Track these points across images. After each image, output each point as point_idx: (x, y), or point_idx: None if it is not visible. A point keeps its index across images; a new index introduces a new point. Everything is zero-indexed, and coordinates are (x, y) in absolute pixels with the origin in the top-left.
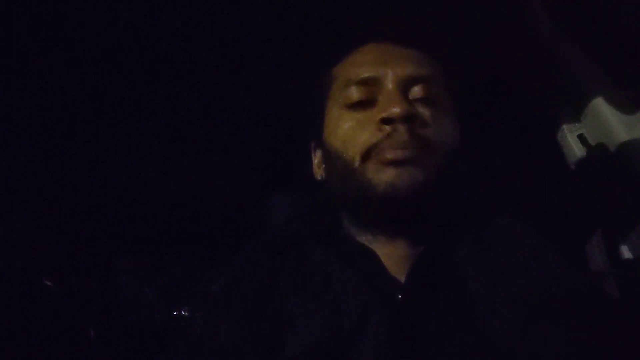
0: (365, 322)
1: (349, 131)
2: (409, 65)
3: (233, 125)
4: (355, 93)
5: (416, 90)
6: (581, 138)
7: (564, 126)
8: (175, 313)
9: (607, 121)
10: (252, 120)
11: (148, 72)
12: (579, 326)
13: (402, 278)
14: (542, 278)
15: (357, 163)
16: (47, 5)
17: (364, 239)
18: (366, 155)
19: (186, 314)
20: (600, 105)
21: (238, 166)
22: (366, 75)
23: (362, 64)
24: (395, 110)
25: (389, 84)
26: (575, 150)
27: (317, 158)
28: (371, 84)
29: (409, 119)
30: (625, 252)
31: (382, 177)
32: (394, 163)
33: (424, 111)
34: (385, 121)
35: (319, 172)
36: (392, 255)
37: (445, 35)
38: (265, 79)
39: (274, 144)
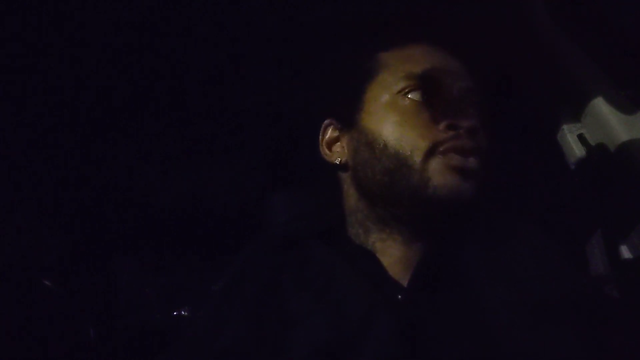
0: (368, 324)
1: (404, 125)
2: (467, 78)
3: (234, 124)
4: (415, 87)
5: (471, 103)
6: (581, 138)
7: (564, 126)
8: (175, 313)
9: (607, 121)
10: (253, 120)
11: (148, 71)
12: (582, 328)
13: (404, 279)
14: (545, 279)
15: (417, 159)
16: (47, 5)
17: (375, 237)
18: (431, 151)
19: (186, 314)
20: (600, 105)
21: (238, 166)
22: (432, 73)
23: (423, 62)
24: (465, 123)
25: (454, 91)
26: (575, 150)
27: (341, 140)
28: (430, 82)
29: (474, 132)
30: (625, 252)
31: (447, 181)
32: (460, 170)
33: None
34: (451, 127)
35: (337, 155)
36: (400, 256)
37: (480, 48)
38: (266, 78)
39: (275, 144)
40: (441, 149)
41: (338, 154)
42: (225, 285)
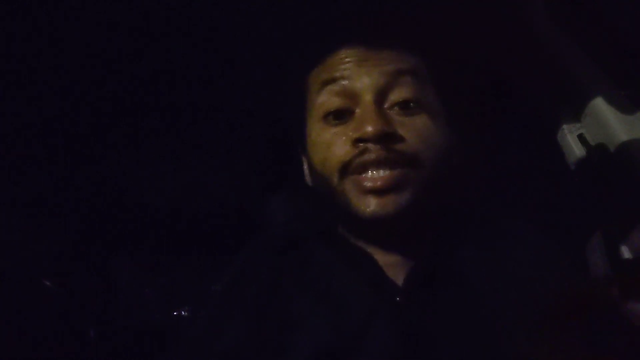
0: (368, 325)
1: (326, 147)
2: (385, 66)
3: (233, 124)
4: (331, 102)
5: (396, 93)
6: (581, 138)
7: (564, 126)
8: (175, 313)
9: (607, 121)
10: (253, 120)
11: (146, 71)
12: (581, 328)
13: (400, 282)
14: (545, 279)
15: (335, 181)
16: (45, 6)
17: (361, 244)
18: (342, 172)
19: (186, 314)
20: (600, 105)
21: (238, 166)
22: (340, 81)
23: (335, 70)
24: (369, 129)
25: (365, 95)
26: (575, 150)
27: (305, 163)
28: (346, 92)
29: (383, 137)
30: (625, 252)
31: (364, 206)
32: (374, 192)
33: (405, 120)
34: (359, 140)
35: (308, 178)
36: (387, 260)
37: (427, 28)
38: (265, 78)
39: (274, 144)
40: (350, 168)
41: (308, 177)
42: (225, 286)
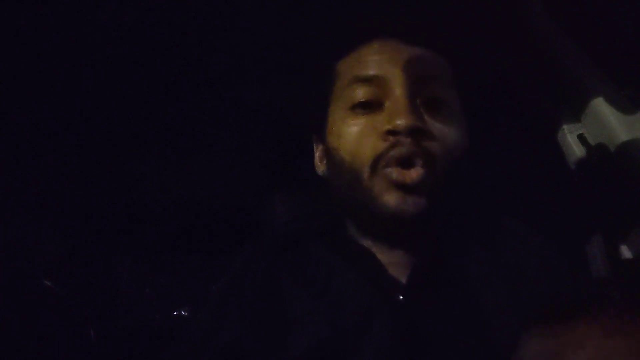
0: (368, 323)
1: (355, 139)
2: (418, 65)
3: (234, 124)
4: (360, 93)
5: (426, 93)
6: (581, 138)
7: (564, 126)
8: (175, 313)
9: (607, 121)
10: (254, 120)
11: (149, 73)
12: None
13: (402, 280)
14: (544, 280)
15: (365, 176)
16: (51, 7)
17: (365, 243)
18: (374, 167)
19: (186, 314)
20: (600, 105)
21: (239, 166)
22: (372, 73)
23: (367, 61)
24: (401, 123)
25: (397, 88)
26: (575, 150)
27: (318, 152)
28: (378, 83)
29: (415, 132)
30: (625, 252)
31: (389, 199)
32: (402, 187)
33: (431, 120)
34: (390, 133)
35: (320, 167)
36: (390, 259)
37: (453, 33)
38: (267, 79)
39: (275, 143)
40: (382, 162)
41: (320, 166)
42: (224, 286)
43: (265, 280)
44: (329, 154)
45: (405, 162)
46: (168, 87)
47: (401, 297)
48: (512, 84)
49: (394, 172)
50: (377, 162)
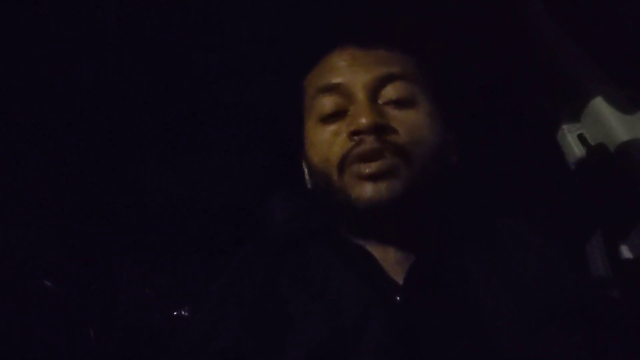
0: (366, 323)
1: (325, 146)
2: (377, 67)
3: (233, 125)
4: (326, 103)
5: (389, 92)
6: (581, 138)
7: (564, 126)
8: (175, 313)
9: (607, 121)
10: (253, 121)
11: (148, 73)
12: (581, 329)
13: (399, 280)
14: (544, 280)
15: (335, 177)
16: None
17: (359, 243)
18: (341, 167)
19: (186, 314)
20: (600, 105)
21: (238, 166)
22: (333, 81)
23: (328, 71)
24: (362, 121)
25: (358, 93)
26: (575, 150)
27: (305, 167)
28: (340, 91)
29: (378, 129)
30: (625, 252)
31: (361, 193)
32: (370, 177)
33: (397, 115)
34: (354, 133)
35: (309, 182)
36: (386, 258)
37: (419, 31)
38: (266, 79)
39: (274, 145)
40: (348, 160)
41: (309, 181)
42: (222, 286)
43: (264, 281)
44: (308, 166)
45: (368, 158)
46: (168, 87)
47: (398, 297)
48: (512, 84)
49: (361, 167)
50: (343, 162)
